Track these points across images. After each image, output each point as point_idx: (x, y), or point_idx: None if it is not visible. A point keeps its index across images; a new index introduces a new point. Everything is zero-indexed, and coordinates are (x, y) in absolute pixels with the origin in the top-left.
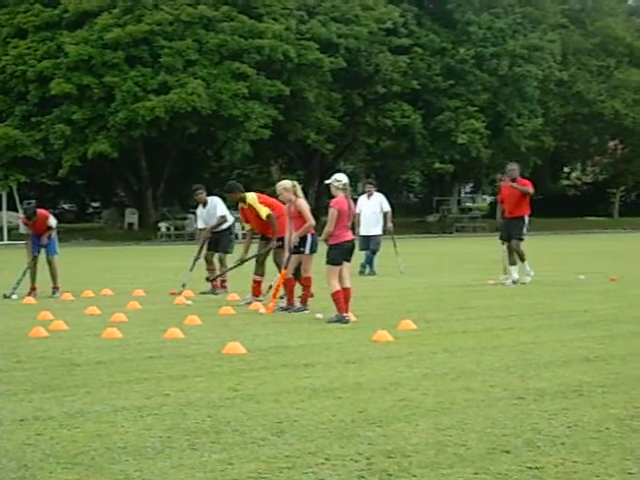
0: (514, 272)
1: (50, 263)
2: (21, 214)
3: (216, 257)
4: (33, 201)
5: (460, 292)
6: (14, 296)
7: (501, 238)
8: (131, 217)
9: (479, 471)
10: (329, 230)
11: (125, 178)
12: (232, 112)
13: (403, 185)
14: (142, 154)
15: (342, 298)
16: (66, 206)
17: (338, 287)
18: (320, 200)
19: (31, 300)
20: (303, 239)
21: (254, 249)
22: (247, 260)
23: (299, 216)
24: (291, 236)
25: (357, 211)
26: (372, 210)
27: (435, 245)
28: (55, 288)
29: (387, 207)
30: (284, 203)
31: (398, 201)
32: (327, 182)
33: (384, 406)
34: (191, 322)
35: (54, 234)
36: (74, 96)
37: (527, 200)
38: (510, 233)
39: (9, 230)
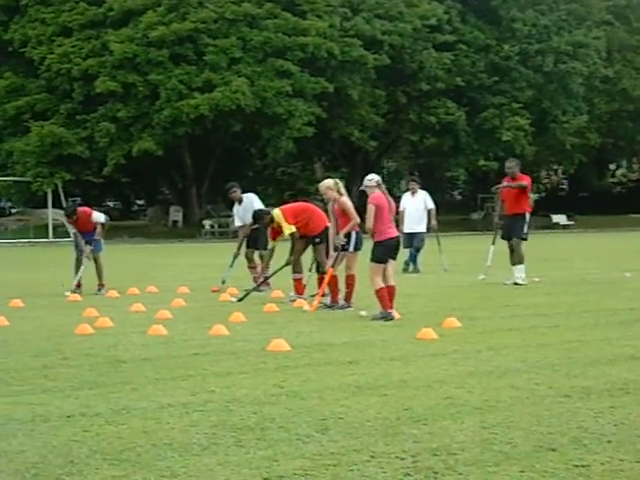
0: (519, 272)
1: (96, 260)
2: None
3: (256, 254)
4: (78, 199)
5: (505, 290)
6: (67, 293)
7: (502, 237)
8: (175, 215)
9: (525, 469)
10: (369, 226)
11: (170, 176)
12: (276, 110)
13: (447, 183)
14: (186, 152)
15: (386, 295)
16: (111, 204)
17: (382, 284)
18: (363, 198)
19: (77, 297)
20: (348, 237)
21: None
22: (291, 262)
23: (343, 214)
24: (337, 235)
25: (401, 208)
26: (416, 207)
27: (479, 243)
28: (101, 285)
29: (431, 204)
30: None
31: (442, 199)
32: (361, 189)
33: (429, 404)
34: (236, 319)
35: (99, 231)
36: (119, 94)
37: (526, 197)
38: (511, 232)
39: (54, 228)
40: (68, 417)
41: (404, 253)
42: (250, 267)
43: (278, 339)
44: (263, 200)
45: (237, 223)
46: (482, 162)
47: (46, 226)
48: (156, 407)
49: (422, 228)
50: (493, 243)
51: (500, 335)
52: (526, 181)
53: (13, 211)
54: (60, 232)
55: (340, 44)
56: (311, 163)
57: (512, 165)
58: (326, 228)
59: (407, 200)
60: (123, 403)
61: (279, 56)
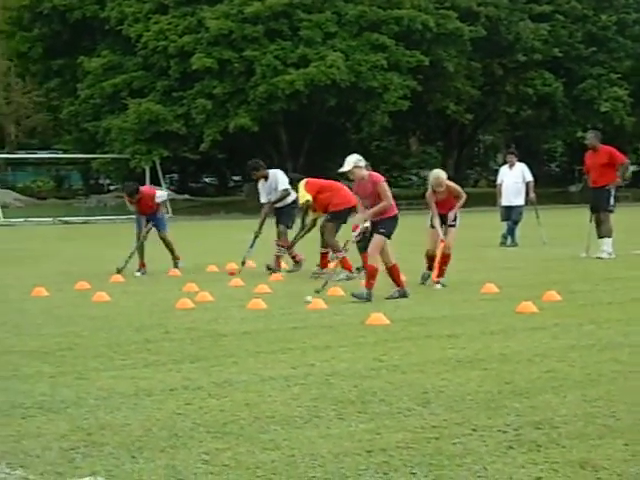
0: (605, 245)
1: (163, 239)
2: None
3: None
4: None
5: (605, 263)
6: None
7: (591, 210)
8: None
9: (629, 442)
10: (390, 202)
11: (265, 152)
12: (371, 84)
13: (544, 155)
14: (282, 127)
15: (375, 273)
16: (207, 180)
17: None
18: (459, 171)
19: (176, 272)
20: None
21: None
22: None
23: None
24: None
25: (498, 181)
26: (514, 180)
27: (578, 216)
28: (176, 259)
29: (529, 177)
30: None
31: (539, 171)
32: (346, 169)
33: (530, 377)
34: (334, 293)
35: (162, 211)
36: (215, 71)
37: (612, 169)
38: (597, 205)
39: None
40: (171, 390)
41: (501, 226)
42: (279, 245)
43: (377, 313)
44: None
45: (262, 199)
46: (580, 134)
47: None
48: (258, 380)
49: (520, 201)
50: (591, 221)
51: (601, 308)
52: (610, 154)
53: (112, 188)
54: None
55: (435, 16)
56: (406, 137)
57: (590, 137)
58: (347, 209)
59: (505, 173)
60: (225, 376)
61: (374, 30)
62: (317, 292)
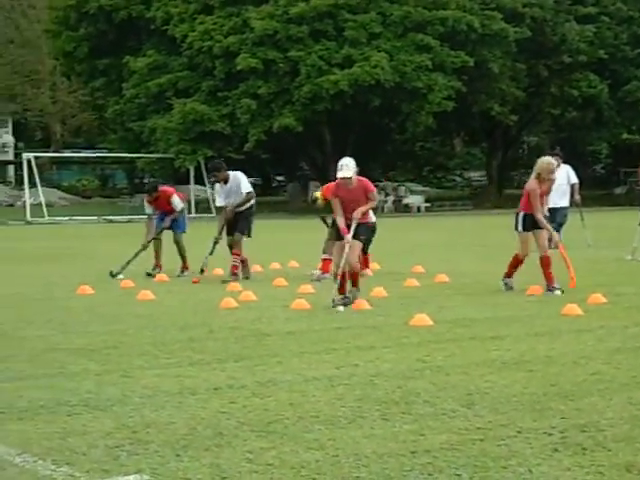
0: None
1: (177, 242)
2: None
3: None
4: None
5: None
6: (120, 276)
7: None
8: (315, 190)
9: None
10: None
11: (309, 152)
12: (415, 84)
13: (589, 157)
14: (326, 127)
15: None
16: (252, 180)
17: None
18: (503, 173)
19: (220, 271)
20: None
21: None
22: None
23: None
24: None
25: None
26: (559, 182)
27: (623, 218)
28: (184, 268)
29: (574, 179)
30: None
31: (584, 173)
32: (351, 175)
33: (576, 380)
34: (377, 294)
35: (181, 214)
36: (260, 71)
37: None
38: None
39: (197, 203)
40: (215, 389)
41: None
42: (234, 254)
43: (420, 314)
44: (402, 174)
45: (219, 203)
46: (625, 135)
47: (189, 202)
48: (301, 380)
49: (565, 203)
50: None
51: None
52: None
53: None
54: (202, 208)
55: (480, 17)
56: (450, 138)
57: None
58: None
59: None
60: (269, 376)
61: (419, 30)
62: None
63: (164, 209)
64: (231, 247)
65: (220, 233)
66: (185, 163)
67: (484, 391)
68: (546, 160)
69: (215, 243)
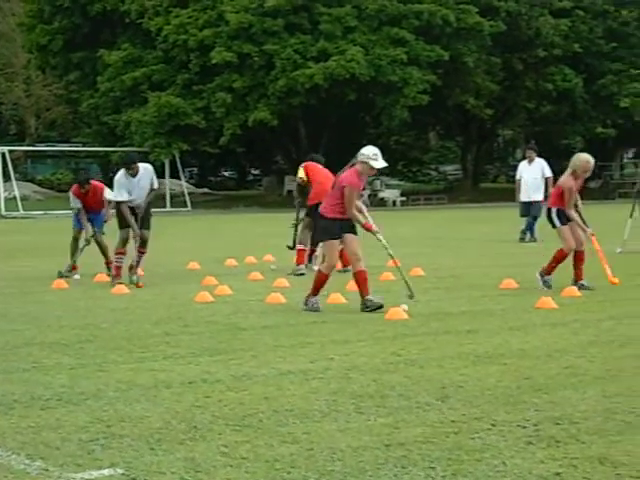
0: None
1: (99, 243)
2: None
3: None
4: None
5: (628, 259)
6: (76, 276)
7: None
8: (290, 184)
9: None
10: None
11: (284, 146)
12: (391, 78)
13: (563, 150)
14: (301, 122)
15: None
16: (227, 173)
17: None
18: (478, 167)
19: (196, 265)
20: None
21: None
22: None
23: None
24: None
25: (517, 177)
26: (533, 176)
27: (598, 212)
28: (108, 263)
29: (549, 173)
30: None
31: (558, 167)
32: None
33: (550, 373)
34: (353, 288)
35: (106, 211)
36: (235, 64)
37: None
38: None
39: (171, 197)
40: (190, 383)
41: (521, 222)
42: (140, 251)
43: (395, 308)
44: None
45: (123, 197)
46: (599, 129)
47: (163, 196)
48: (276, 374)
49: (539, 196)
50: (631, 216)
51: (622, 304)
52: None
53: None
54: (178, 202)
55: (455, 11)
56: (425, 132)
57: None
58: (314, 205)
59: (524, 168)
60: (243, 370)
61: (394, 24)
62: (410, 297)
63: (90, 206)
64: (144, 243)
65: (135, 229)
66: (160, 157)
67: (458, 384)
68: (584, 158)
69: (88, 243)
